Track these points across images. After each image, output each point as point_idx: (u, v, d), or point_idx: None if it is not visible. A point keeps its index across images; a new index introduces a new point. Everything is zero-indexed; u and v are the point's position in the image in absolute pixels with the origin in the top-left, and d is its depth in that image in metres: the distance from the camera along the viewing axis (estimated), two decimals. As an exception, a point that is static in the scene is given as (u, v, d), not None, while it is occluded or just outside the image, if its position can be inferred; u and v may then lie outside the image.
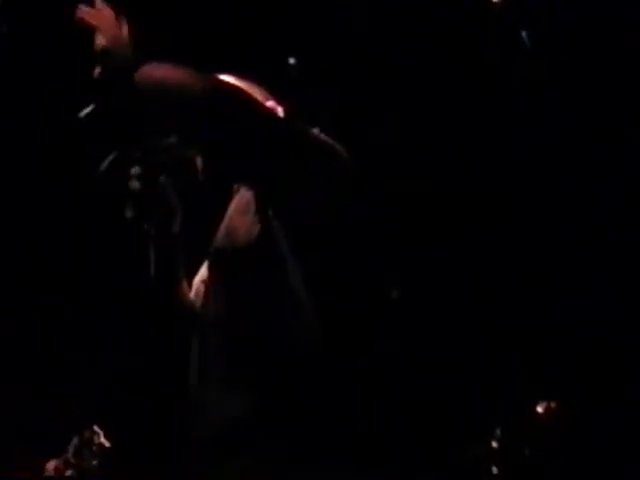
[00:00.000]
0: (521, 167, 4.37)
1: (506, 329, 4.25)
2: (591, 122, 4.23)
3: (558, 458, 3.37)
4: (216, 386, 2.00)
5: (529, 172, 4.37)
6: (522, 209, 4.43)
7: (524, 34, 3.87)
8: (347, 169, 2.05)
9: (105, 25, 1.94)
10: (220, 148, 1.96)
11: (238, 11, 3.78)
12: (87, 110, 2.01)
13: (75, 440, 3.62)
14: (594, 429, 3.61)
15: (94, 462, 3.61)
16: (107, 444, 3.61)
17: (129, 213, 2.10)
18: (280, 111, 2.28)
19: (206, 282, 2.17)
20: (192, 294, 2.23)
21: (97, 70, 1.95)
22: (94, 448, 3.60)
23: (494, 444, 3.42)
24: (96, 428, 3.62)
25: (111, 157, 2.10)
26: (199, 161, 2.13)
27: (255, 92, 2.28)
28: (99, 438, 3.61)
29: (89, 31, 1.95)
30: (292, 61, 3.87)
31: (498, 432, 3.45)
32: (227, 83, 2.02)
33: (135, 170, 2.11)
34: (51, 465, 3.63)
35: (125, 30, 1.97)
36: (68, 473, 3.62)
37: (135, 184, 2.11)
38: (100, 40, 1.94)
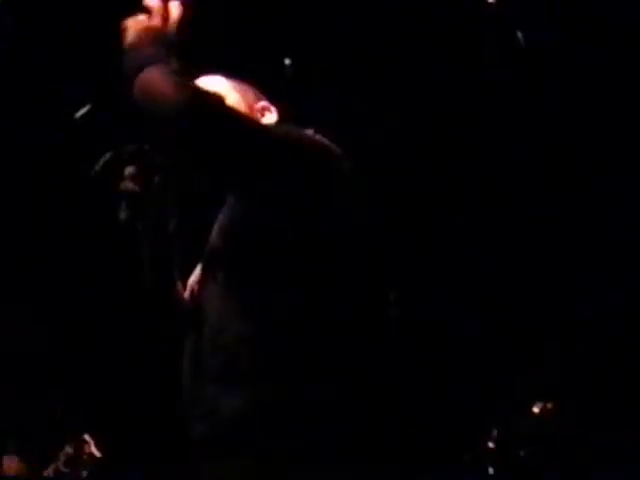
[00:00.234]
0: (520, 167, 4.37)
1: (502, 330, 4.25)
2: (589, 122, 4.23)
3: (554, 459, 3.37)
4: (214, 386, 1.99)
5: (528, 172, 4.37)
6: (522, 210, 4.43)
7: (519, 34, 3.87)
8: (342, 170, 2.05)
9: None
10: (197, 160, 1.97)
11: (233, 11, 3.78)
12: (82, 111, 2.01)
13: (66, 449, 3.61)
14: (590, 429, 3.61)
15: (84, 472, 3.60)
16: (98, 454, 3.60)
17: (123, 214, 2.10)
18: (273, 111, 2.29)
19: (200, 281, 2.17)
20: (187, 294, 2.23)
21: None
22: (85, 457, 3.59)
23: (491, 445, 3.42)
24: (87, 437, 3.61)
25: (105, 157, 2.10)
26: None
27: (247, 93, 2.29)
28: (90, 447, 3.61)
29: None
30: (288, 62, 3.87)
31: (495, 433, 3.45)
32: (208, 93, 2.02)
33: (129, 171, 2.11)
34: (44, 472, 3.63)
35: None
36: None
37: (129, 185, 2.11)
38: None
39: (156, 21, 2.05)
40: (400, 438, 1.99)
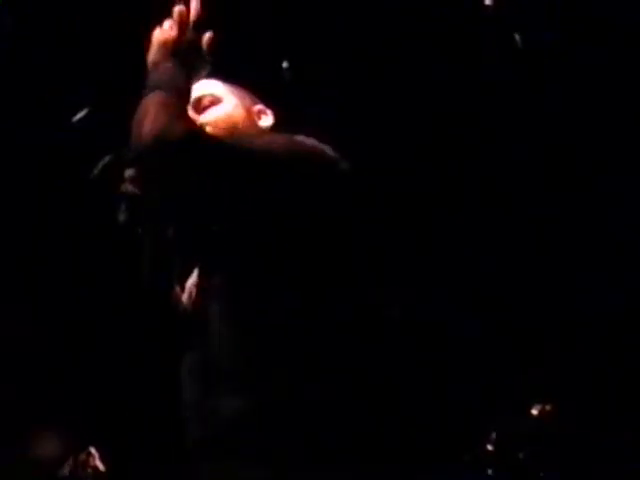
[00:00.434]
0: (520, 166, 4.36)
1: (502, 331, 4.24)
2: (589, 122, 4.22)
3: (553, 460, 3.37)
4: (214, 387, 1.99)
5: (528, 172, 4.37)
6: (522, 210, 4.43)
7: (517, 36, 3.87)
8: (340, 173, 2.05)
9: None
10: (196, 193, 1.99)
11: (230, 13, 3.78)
12: (80, 115, 2.02)
13: (70, 461, 3.61)
14: (589, 431, 3.61)
15: None
16: (102, 467, 3.60)
17: (123, 216, 2.10)
18: (269, 114, 2.30)
19: (198, 284, 2.17)
20: (185, 297, 2.23)
21: None
22: (89, 470, 3.59)
23: (489, 447, 3.42)
24: (92, 450, 3.61)
25: (105, 160, 2.10)
26: None
27: (244, 96, 2.30)
28: (94, 460, 3.60)
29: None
30: (285, 65, 3.87)
31: (493, 435, 3.45)
32: (205, 133, 2.07)
33: (129, 173, 2.11)
34: None
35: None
36: None
37: (129, 187, 2.11)
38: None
39: (174, 32, 2.10)
40: (400, 439, 1.99)
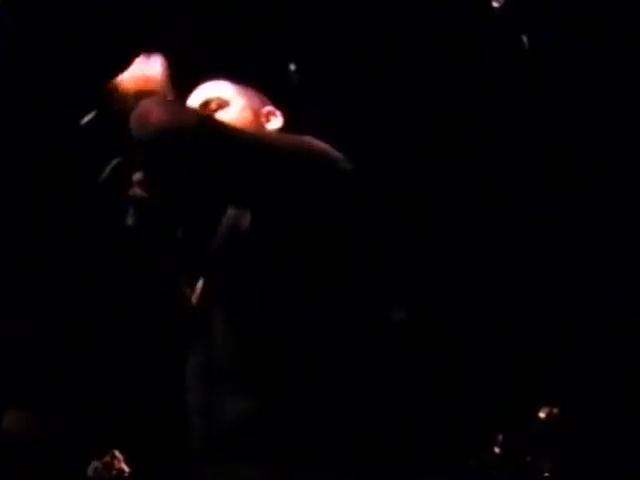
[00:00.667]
0: (521, 168, 4.37)
1: (508, 333, 4.25)
2: (589, 122, 4.23)
3: (561, 464, 3.37)
4: (219, 389, 1.99)
5: (529, 173, 4.37)
6: (522, 210, 4.43)
7: (524, 38, 3.87)
8: (344, 174, 2.05)
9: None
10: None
11: (238, 16, 3.78)
12: (88, 117, 2.01)
13: (94, 464, 3.60)
14: (596, 434, 3.61)
15: None
16: (127, 469, 3.59)
17: (131, 220, 2.10)
18: (278, 115, 2.29)
19: (205, 285, 2.17)
20: (194, 299, 2.23)
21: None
22: (114, 473, 3.58)
23: (496, 450, 3.43)
24: (117, 453, 3.59)
25: (114, 163, 2.10)
26: None
27: (253, 97, 2.29)
28: (119, 463, 3.59)
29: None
30: (292, 67, 3.87)
31: (500, 438, 3.45)
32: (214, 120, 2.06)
33: (138, 177, 2.11)
34: None
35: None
36: None
37: (137, 191, 2.11)
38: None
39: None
40: (404, 440, 1.99)
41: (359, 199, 2.06)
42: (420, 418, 3.50)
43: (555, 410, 3.37)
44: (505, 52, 4.11)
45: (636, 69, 4.17)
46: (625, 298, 4.20)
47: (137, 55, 2.15)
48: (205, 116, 2.09)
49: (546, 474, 3.31)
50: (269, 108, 2.30)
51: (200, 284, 2.23)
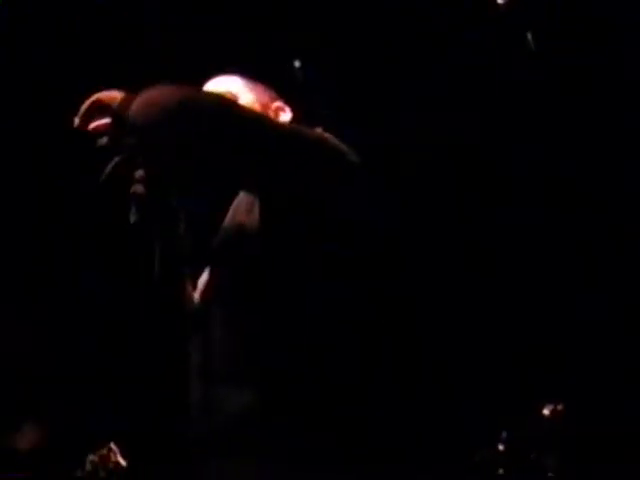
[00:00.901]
0: (519, 167, 4.37)
1: (512, 332, 4.25)
2: (594, 124, 4.23)
3: (565, 461, 3.37)
4: (221, 385, 1.99)
5: (528, 172, 4.37)
6: (522, 209, 4.43)
7: (529, 36, 3.87)
8: (354, 169, 2.05)
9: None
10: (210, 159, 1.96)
11: (244, 14, 3.78)
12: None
13: (91, 457, 3.59)
14: (602, 431, 3.61)
15: None
16: (123, 462, 3.58)
17: (133, 217, 2.09)
18: (288, 111, 2.28)
19: (208, 282, 2.16)
20: (197, 295, 2.23)
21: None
22: (110, 466, 3.57)
23: (500, 447, 3.42)
24: (113, 446, 3.59)
25: (115, 160, 2.10)
26: None
27: (262, 93, 2.29)
28: (116, 456, 3.58)
29: None
30: (297, 64, 3.87)
31: (504, 435, 3.45)
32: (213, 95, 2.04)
33: (139, 173, 2.11)
34: None
35: None
36: None
37: (139, 188, 2.10)
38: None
39: None
40: (406, 438, 1.99)
41: (366, 191, 2.06)
42: (424, 416, 3.50)
43: (559, 407, 3.36)
44: (505, 51, 4.11)
45: (636, 69, 4.18)
46: (628, 300, 4.20)
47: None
48: (222, 95, 2.07)
49: (550, 472, 3.31)
50: (278, 104, 2.29)
51: (203, 280, 2.23)
